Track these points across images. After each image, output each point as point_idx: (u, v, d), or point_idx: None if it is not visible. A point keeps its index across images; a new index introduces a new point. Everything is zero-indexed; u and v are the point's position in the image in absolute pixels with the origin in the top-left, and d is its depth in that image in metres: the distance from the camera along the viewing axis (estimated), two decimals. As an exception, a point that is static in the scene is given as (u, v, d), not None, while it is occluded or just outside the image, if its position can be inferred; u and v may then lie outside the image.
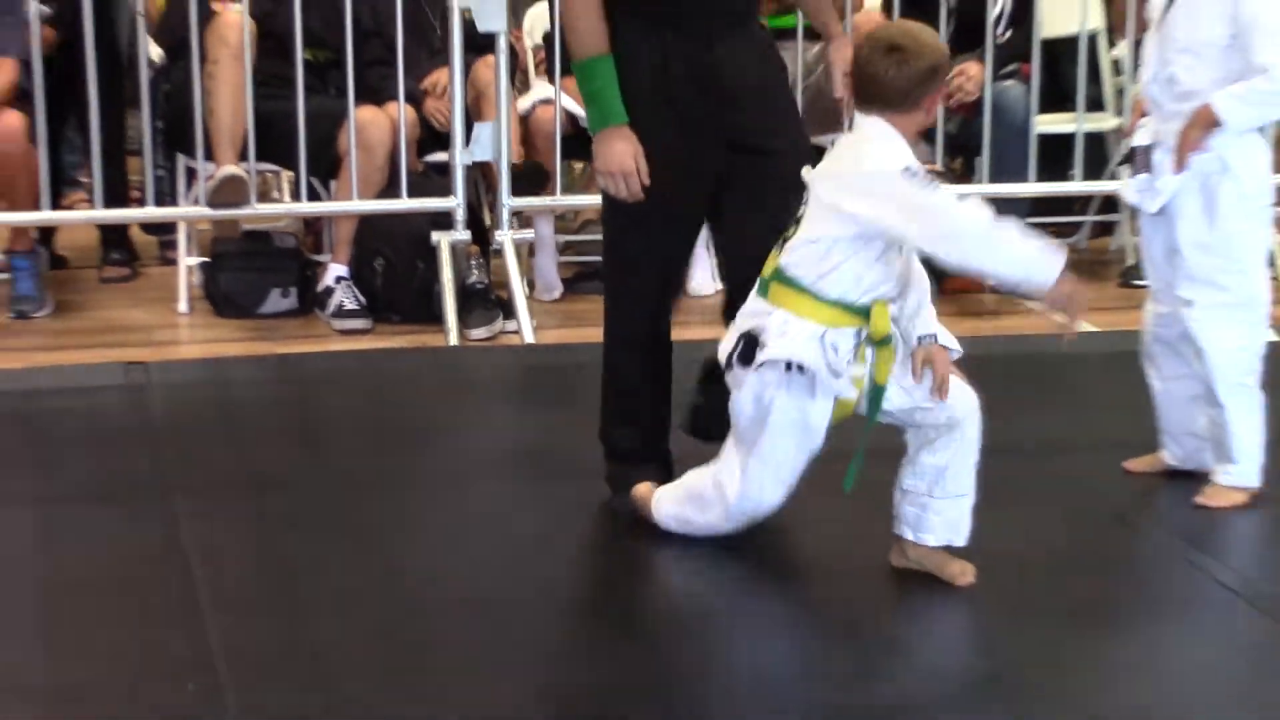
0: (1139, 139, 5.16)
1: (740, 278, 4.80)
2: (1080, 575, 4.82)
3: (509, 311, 7.08)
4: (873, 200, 4.31)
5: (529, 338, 6.95)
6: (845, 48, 5.03)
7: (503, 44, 7.04)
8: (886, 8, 7.57)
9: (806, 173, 4.48)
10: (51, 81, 7.20)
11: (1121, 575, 4.91)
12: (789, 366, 4.38)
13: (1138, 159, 5.16)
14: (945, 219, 4.33)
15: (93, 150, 7.23)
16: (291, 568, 4.88)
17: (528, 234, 7.47)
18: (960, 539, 4.57)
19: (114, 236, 8.04)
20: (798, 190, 4.57)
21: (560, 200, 7.42)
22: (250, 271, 7.30)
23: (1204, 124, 4.87)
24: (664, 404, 5.17)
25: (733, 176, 4.92)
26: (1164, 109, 5.05)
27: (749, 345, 4.41)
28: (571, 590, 4.65)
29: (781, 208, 4.62)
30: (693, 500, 4.75)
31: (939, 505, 4.55)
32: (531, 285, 7.44)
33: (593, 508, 5.16)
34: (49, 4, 7.18)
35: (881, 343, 4.43)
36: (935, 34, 4.65)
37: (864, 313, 4.40)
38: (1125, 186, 5.31)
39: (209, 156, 7.12)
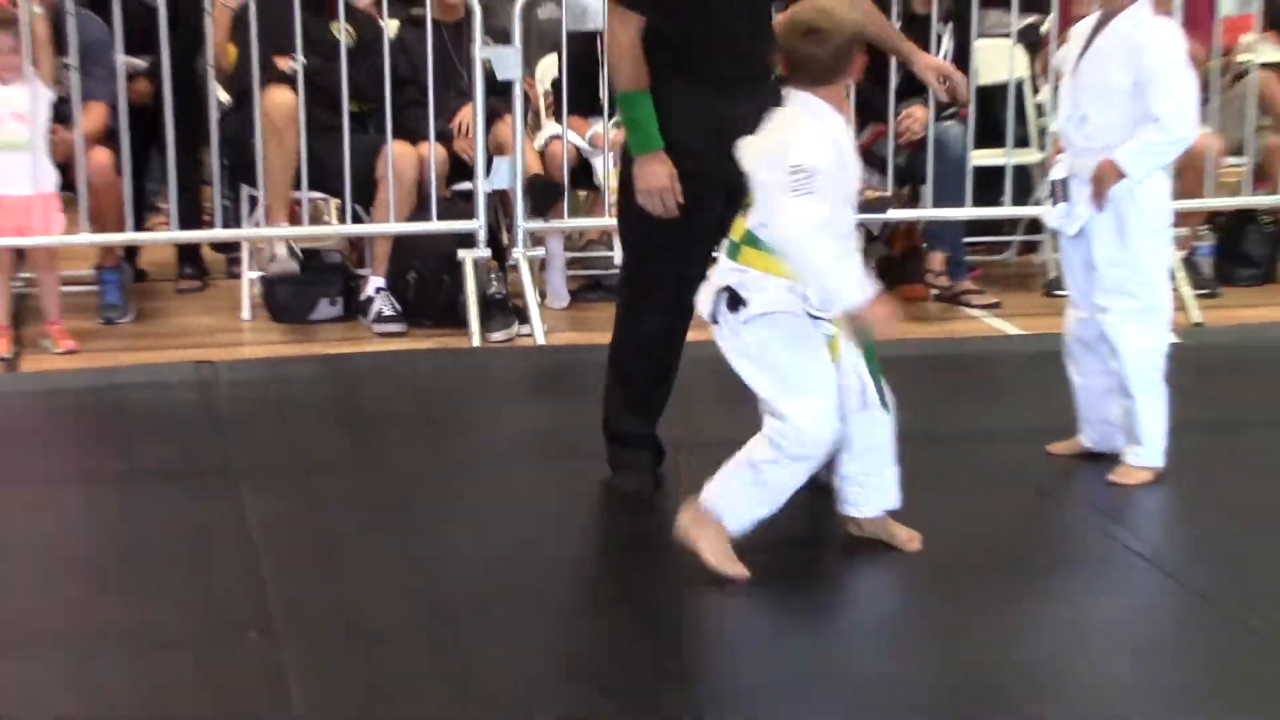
0: (1057, 173, 5.20)
1: None
2: (1008, 541, 4.86)
3: (524, 318, 7.08)
4: (768, 182, 4.27)
5: (541, 340, 6.96)
6: (927, 61, 5.39)
7: (518, 90, 7.05)
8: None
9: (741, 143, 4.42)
10: (141, 122, 7.26)
11: (1044, 541, 4.94)
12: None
13: (1056, 190, 5.19)
14: (789, 225, 4.22)
15: (170, 181, 7.22)
16: (338, 536, 4.90)
17: (539, 251, 7.47)
18: (895, 503, 4.60)
19: (188, 254, 8.07)
20: None
21: (568, 222, 7.42)
22: (302, 284, 7.31)
23: (1112, 177, 4.93)
24: (665, 397, 5.13)
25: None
26: (1076, 146, 5.11)
27: (734, 298, 4.32)
28: (579, 556, 4.65)
29: None
30: (754, 480, 4.44)
31: (875, 481, 4.57)
32: (543, 295, 7.43)
33: (596, 484, 5.16)
34: (143, 59, 7.20)
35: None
36: (847, 8, 4.45)
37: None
38: (1048, 213, 5.31)
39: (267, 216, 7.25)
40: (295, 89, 7.10)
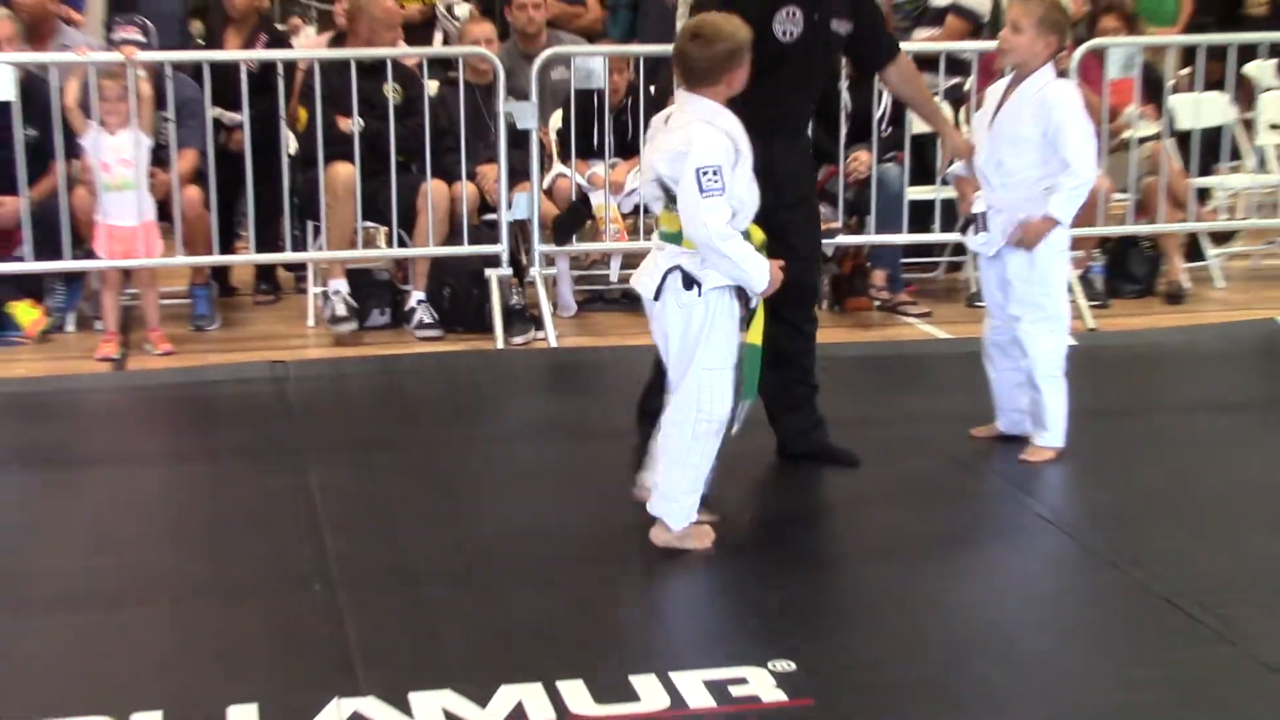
0: (977, 207, 5.18)
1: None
2: (937, 506, 4.88)
3: (539, 324, 7.07)
4: (681, 183, 4.13)
5: (553, 343, 6.95)
6: (956, 138, 5.50)
7: (534, 137, 7.05)
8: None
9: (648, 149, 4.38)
10: (229, 165, 7.27)
11: (967, 507, 4.95)
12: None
13: (978, 221, 5.17)
14: (702, 226, 4.11)
15: (249, 214, 7.25)
16: (387, 502, 4.91)
17: (552, 270, 7.47)
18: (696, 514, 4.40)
19: (264, 273, 8.07)
20: (804, 247, 4.92)
21: (575, 247, 7.42)
22: (357, 296, 7.30)
23: (1047, 226, 5.00)
24: None
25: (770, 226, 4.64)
26: (993, 185, 5.12)
27: (687, 278, 4.21)
28: (588, 518, 4.63)
29: (789, 261, 4.54)
30: (677, 458, 4.33)
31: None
32: (555, 306, 7.43)
33: (599, 462, 5.14)
34: (235, 114, 7.21)
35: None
36: (738, 25, 4.30)
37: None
38: (971, 239, 5.28)
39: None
40: (353, 151, 7.08)
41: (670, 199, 4.23)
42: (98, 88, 6.70)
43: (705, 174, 4.10)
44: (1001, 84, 5.23)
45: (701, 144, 4.15)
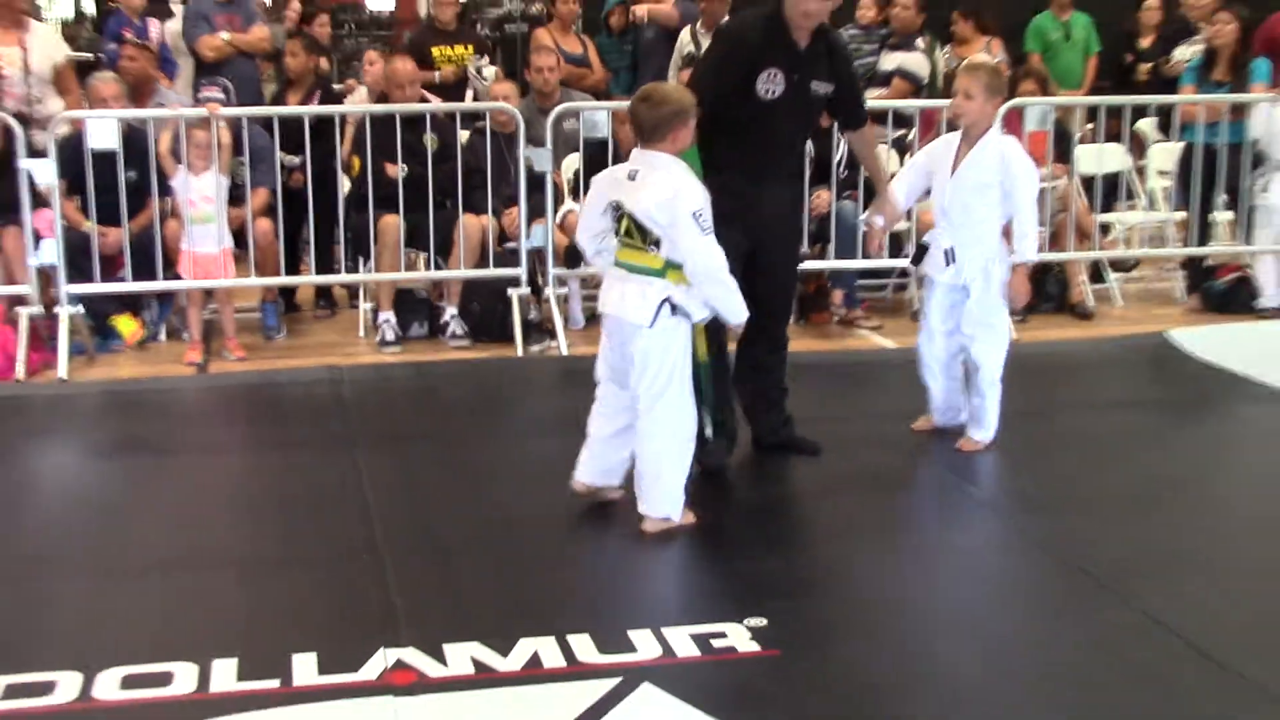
0: (945, 243, 5.08)
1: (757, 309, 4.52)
2: (886, 493, 4.86)
3: (553, 336, 7.04)
4: (679, 226, 4.07)
5: (565, 352, 6.91)
6: (887, 200, 5.17)
7: (549, 179, 7.03)
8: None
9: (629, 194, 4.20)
10: (293, 201, 7.24)
11: (912, 493, 4.95)
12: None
13: (948, 255, 5.07)
14: (705, 261, 4.09)
15: (311, 242, 7.26)
16: (425, 485, 4.89)
17: (564, 290, 7.44)
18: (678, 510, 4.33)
19: (323, 292, 8.01)
20: (784, 278, 4.98)
21: (584, 270, 7.37)
22: (400, 311, 7.27)
23: (1026, 271, 5.06)
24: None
25: (757, 258, 4.72)
26: (955, 223, 5.06)
27: (674, 308, 4.14)
28: (596, 503, 4.60)
29: (772, 289, 4.79)
30: (653, 473, 4.28)
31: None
32: (566, 320, 7.40)
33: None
34: (296, 158, 7.20)
35: None
36: (683, 92, 4.31)
37: None
38: (941, 271, 5.11)
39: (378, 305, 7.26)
40: (398, 194, 7.05)
41: (630, 235, 4.19)
42: (186, 137, 6.69)
43: (699, 216, 4.07)
44: (950, 140, 5.16)
45: (687, 191, 4.12)
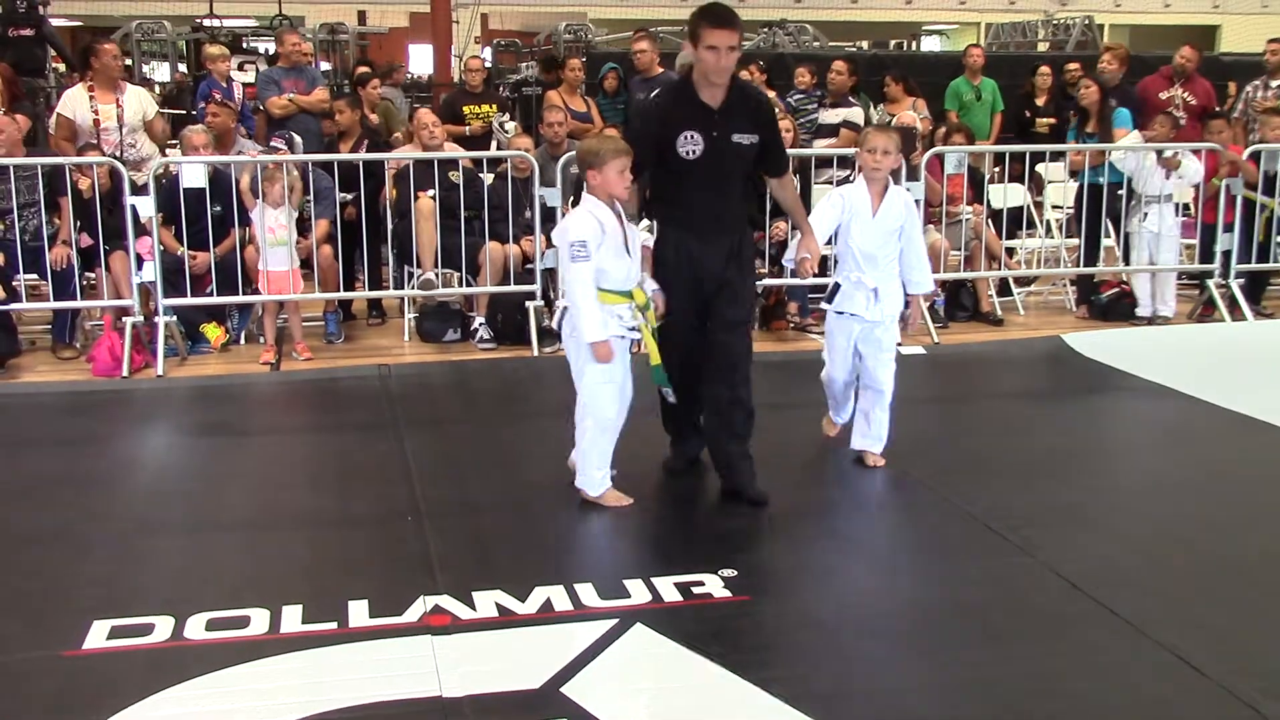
0: (869, 283, 4.60)
1: (709, 362, 4.29)
2: (824, 464, 4.82)
3: (562, 340, 7.00)
4: (561, 251, 4.05)
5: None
6: (811, 241, 4.45)
7: (559, 213, 6.96)
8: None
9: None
10: (349, 229, 7.20)
11: (849, 466, 4.86)
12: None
13: (871, 294, 4.61)
14: (570, 281, 3.98)
15: (365, 261, 7.21)
16: (459, 459, 4.85)
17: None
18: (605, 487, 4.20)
19: (374, 303, 7.91)
20: (735, 331, 4.26)
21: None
22: (437, 320, 7.22)
23: (923, 302, 4.83)
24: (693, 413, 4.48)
25: (709, 306, 4.27)
26: (880, 266, 4.61)
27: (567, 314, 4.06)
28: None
29: (724, 342, 4.25)
30: (585, 446, 4.17)
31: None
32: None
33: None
34: (351, 194, 7.14)
35: (644, 308, 4.07)
36: (590, 143, 4.13)
37: (628, 294, 4.03)
38: (866, 309, 4.62)
39: (419, 265, 7.08)
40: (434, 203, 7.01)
41: None
42: (263, 179, 6.66)
43: (574, 246, 3.93)
44: (859, 189, 4.65)
45: (574, 224, 3.99)
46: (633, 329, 4.07)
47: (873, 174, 4.62)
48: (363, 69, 9.63)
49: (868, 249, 4.62)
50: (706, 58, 4.13)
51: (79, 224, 6.61)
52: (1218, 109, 9.13)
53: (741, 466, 4.31)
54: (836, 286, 4.69)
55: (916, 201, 5.14)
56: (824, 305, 4.75)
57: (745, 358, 4.34)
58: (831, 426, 5.04)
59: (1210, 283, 7.72)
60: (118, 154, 7.01)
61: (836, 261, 4.79)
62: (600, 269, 3.96)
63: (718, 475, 4.41)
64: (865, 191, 4.65)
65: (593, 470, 4.20)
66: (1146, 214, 7.63)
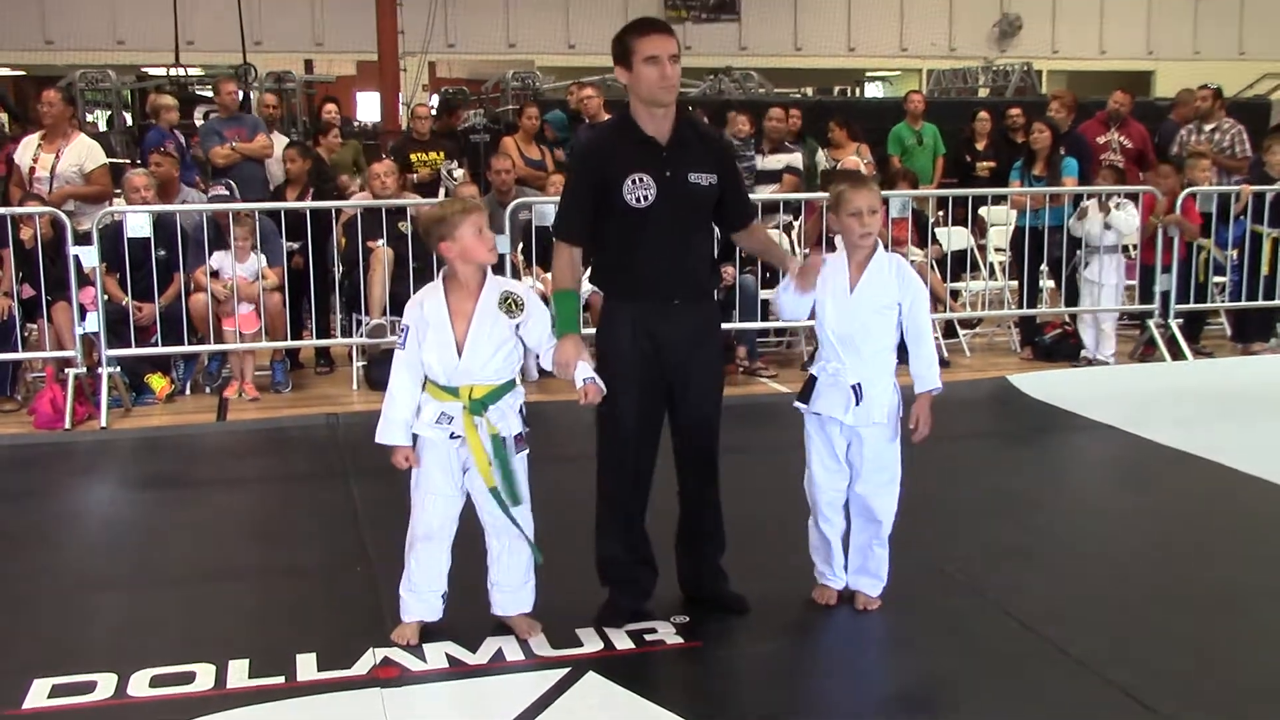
0: (851, 379, 3.63)
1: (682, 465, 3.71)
2: (775, 507, 4.69)
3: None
4: None
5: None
6: (794, 264, 3.73)
7: (508, 257, 6.98)
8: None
9: None
10: (297, 277, 7.17)
11: (797, 508, 4.86)
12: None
13: (856, 391, 3.62)
14: (392, 363, 3.50)
15: (312, 310, 7.17)
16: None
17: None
18: (528, 608, 3.57)
19: (322, 352, 7.85)
20: (705, 415, 3.63)
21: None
22: (386, 368, 7.08)
23: (931, 403, 3.74)
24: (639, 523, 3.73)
25: (673, 394, 3.58)
26: (864, 355, 3.63)
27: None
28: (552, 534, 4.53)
29: (694, 423, 3.63)
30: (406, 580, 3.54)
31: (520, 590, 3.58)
32: (523, 374, 7.30)
33: (566, 461, 5.01)
34: (296, 244, 7.14)
35: (477, 408, 3.40)
36: (433, 210, 3.49)
37: (454, 391, 3.41)
38: (849, 411, 3.64)
39: (368, 312, 7.04)
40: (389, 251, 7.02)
41: None
42: (230, 229, 6.84)
43: (401, 330, 3.46)
44: (838, 259, 3.68)
45: (407, 307, 3.51)
46: (456, 436, 3.41)
47: (861, 242, 3.62)
48: (329, 110, 9.52)
49: (844, 330, 3.63)
50: (648, 74, 3.42)
51: (20, 274, 6.53)
52: (1156, 153, 9.36)
53: (715, 580, 3.78)
54: (812, 380, 3.72)
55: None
56: (796, 405, 3.76)
57: (716, 458, 3.73)
58: (824, 593, 3.82)
59: (1151, 323, 7.87)
60: (51, 201, 6.94)
61: (815, 350, 3.85)
62: (424, 359, 3.40)
63: (679, 584, 3.80)
64: (842, 261, 3.67)
65: (403, 589, 3.53)
66: (1088, 263, 7.78)
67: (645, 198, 3.45)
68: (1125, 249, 8.15)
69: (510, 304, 3.41)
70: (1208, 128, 9.31)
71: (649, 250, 3.49)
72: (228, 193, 7.67)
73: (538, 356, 3.59)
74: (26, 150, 7.23)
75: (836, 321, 3.63)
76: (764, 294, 7.58)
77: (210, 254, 6.84)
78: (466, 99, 16.22)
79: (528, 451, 3.52)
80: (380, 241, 6.99)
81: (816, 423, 3.72)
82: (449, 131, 11.09)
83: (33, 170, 7.12)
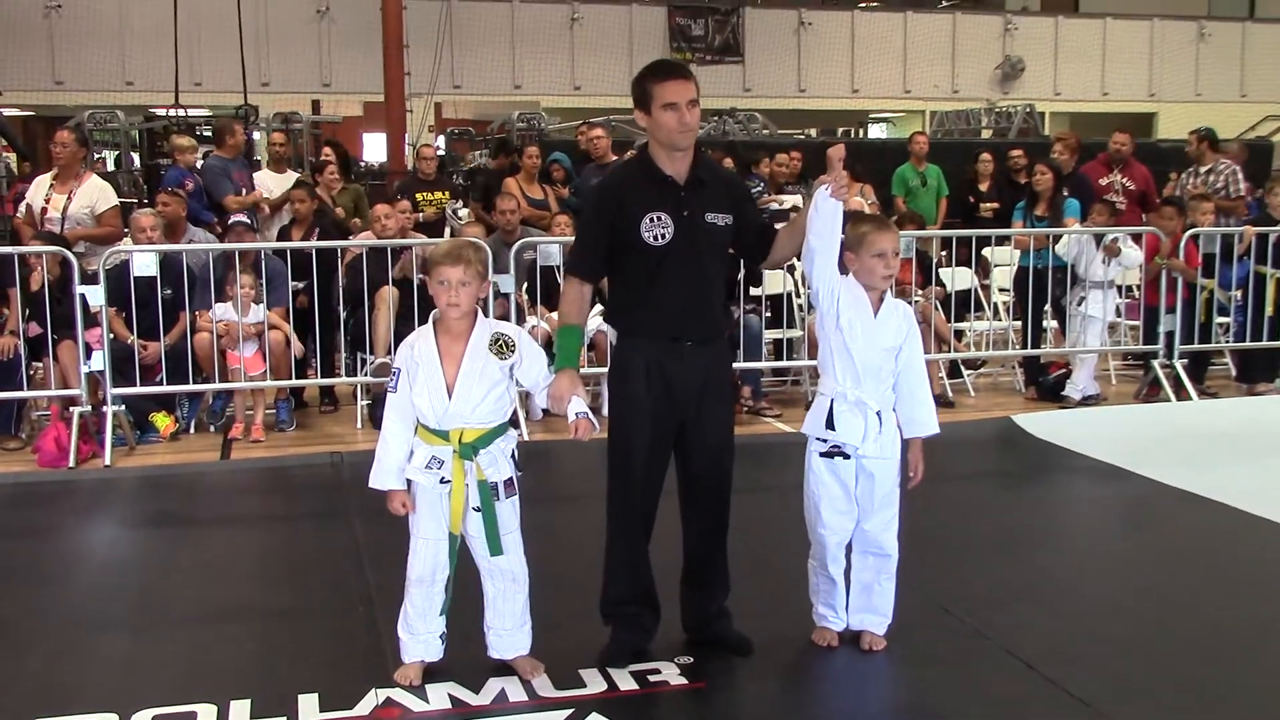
0: (870, 403, 3.59)
1: (684, 484, 3.71)
2: (780, 546, 4.63)
3: (516, 424, 6.68)
4: None
5: (525, 437, 6.80)
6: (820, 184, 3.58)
7: (513, 297, 7.02)
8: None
9: None
10: (301, 316, 7.23)
11: (801, 543, 4.86)
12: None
13: (876, 417, 3.61)
14: (385, 408, 3.45)
15: (317, 349, 7.20)
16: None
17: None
18: (526, 649, 3.54)
19: (326, 390, 7.87)
20: (717, 454, 3.64)
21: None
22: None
23: (922, 447, 3.73)
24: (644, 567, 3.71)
25: (683, 435, 3.60)
26: (880, 379, 3.62)
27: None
28: (556, 566, 4.52)
29: (705, 464, 3.64)
30: (403, 623, 3.52)
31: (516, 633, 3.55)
32: (527, 413, 7.31)
33: (565, 523, 5.03)
34: (302, 282, 7.19)
35: (467, 452, 3.36)
36: (439, 249, 3.45)
37: (444, 435, 3.38)
38: (851, 435, 3.61)
39: (373, 351, 7.07)
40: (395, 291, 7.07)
41: None
42: (234, 280, 6.86)
43: (392, 374, 3.41)
44: (858, 297, 3.61)
45: (398, 351, 3.48)
46: (446, 481, 3.38)
47: (883, 283, 3.63)
48: (326, 152, 9.61)
49: (869, 355, 3.59)
50: (667, 119, 3.46)
51: (27, 312, 6.57)
52: (1159, 194, 9.42)
53: (720, 621, 3.76)
54: (827, 406, 3.62)
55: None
56: (810, 435, 3.68)
57: (728, 502, 3.73)
58: (824, 635, 3.78)
59: (1155, 363, 7.88)
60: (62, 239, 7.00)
61: (818, 383, 3.75)
62: (415, 402, 3.37)
63: (684, 626, 3.79)
64: (862, 291, 3.63)
65: (402, 630, 3.51)
66: (1084, 298, 7.81)
67: (663, 236, 3.49)
68: (1130, 289, 8.19)
69: (501, 345, 3.40)
70: (1203, 170, 9.40)
71: (664, 289, 3.51)
72: (248, 221, 7.74)
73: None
74: (39, 190, 7.30)
75: (865, 345, 3.58)
76: (768, 334, 7.60)
77: (216, 296, 6.89)
78: (473, 139, 16.36)
79: (516, 497, 3.50)
80: (389, 292, 7.01)
81: (827, 466, 3.67)
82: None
83: (44, 210, 7.18)
